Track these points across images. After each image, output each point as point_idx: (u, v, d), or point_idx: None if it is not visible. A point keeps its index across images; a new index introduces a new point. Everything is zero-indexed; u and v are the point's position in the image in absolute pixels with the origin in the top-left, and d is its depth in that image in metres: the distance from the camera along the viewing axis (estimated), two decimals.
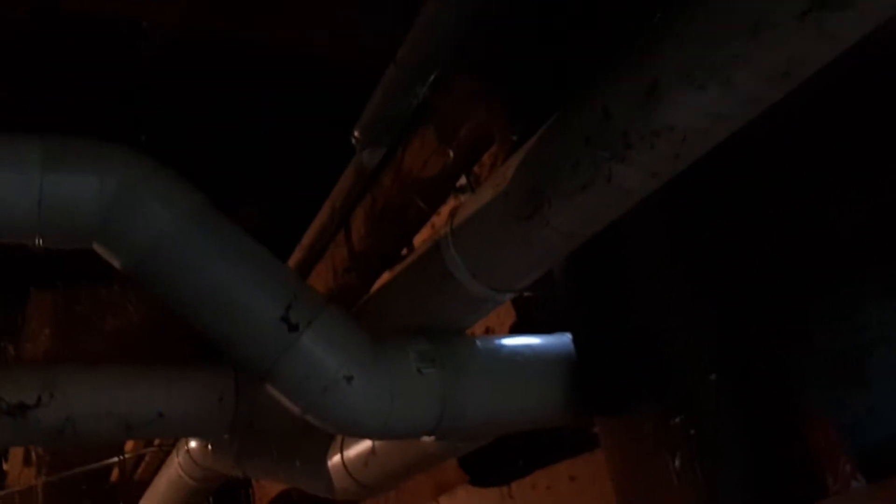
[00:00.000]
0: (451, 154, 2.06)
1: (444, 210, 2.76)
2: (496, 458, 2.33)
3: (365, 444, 2.23)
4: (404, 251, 2.95)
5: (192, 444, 2.69)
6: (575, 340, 1.76)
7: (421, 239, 2.88)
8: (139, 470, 5.95)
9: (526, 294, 1.72)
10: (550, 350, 1.85)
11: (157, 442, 5.22)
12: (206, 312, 1.60)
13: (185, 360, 2.20)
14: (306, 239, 2.59)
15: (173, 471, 2.91)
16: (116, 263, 1.61)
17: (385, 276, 2.99)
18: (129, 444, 5.25)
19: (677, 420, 1.44)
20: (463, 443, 1.89)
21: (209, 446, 2.62)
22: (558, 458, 2.13)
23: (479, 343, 1.78)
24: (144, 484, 5.22)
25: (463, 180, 2.16)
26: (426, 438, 1.79)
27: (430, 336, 1.73)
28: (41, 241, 1.54)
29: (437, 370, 1.67)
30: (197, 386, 2.13)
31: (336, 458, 2.37)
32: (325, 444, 2.44)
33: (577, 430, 2.04)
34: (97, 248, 1.60)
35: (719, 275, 1.55)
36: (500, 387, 1.75)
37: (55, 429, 1.95)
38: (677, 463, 1.43)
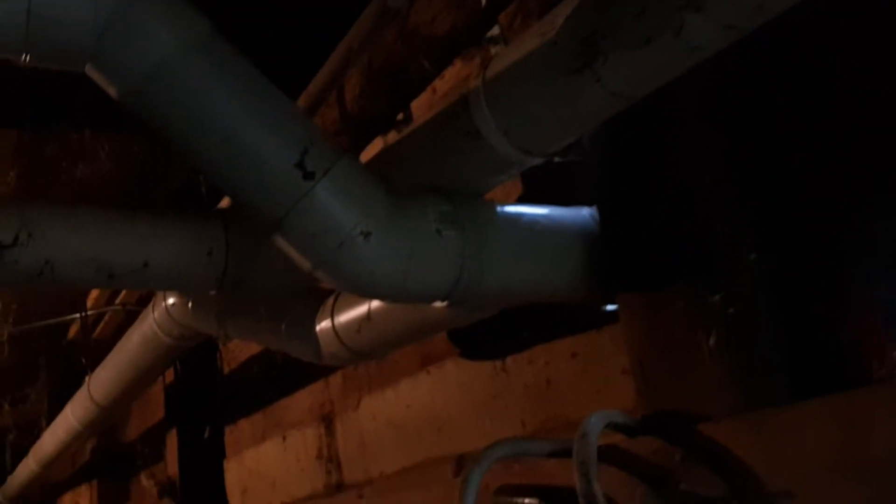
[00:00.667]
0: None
1: (448, 73, 2.60)
2: (489, 332, 2.28)
3: (360, 310, 2.15)
4: (400, 116, 2.80)
5: (171, 300, 2.58)
6: (601, 212, 1.67)
7: (419, 104, 2.73)
8: (98, 329, 5.87)
9: (556, 159, 1.61)
10: (569, 222, 1.76)
11: (119, 300, 5.12)
12: (213, 154, 1.46)
13: (170, 210, 2.06)
14: (314, 85, 2.42)
15: (147, 327, 2.81)
16: (112, 91, 1.44)
17: (378, 141, 2.85)
18: (92, 300, 5.15)
19: (716, 298, 1.38)
20: (472, 312, 1.81)
21: (189, 303, 2.52)
22: (559, 335, 2.07)
23: (498, 209, 1.68)
24: (103, 343, 5.15)
25: (496, 30, 1.99)
26: (437, 304, 1.71)
27: (448, 197, 1.62)
28: (28, 57, 1.36)
29: (457, 232, 1.57)
30: (185, 237, 2.00)
31: (326, 323, 2.29)
32: (315, 307, 2.36)
33: (581, 307, 1.98)
34: (90, 72, 1.43)
35: (771, 150, 1.46)
36: (519, 255, 1.66)
37: (33, 271, 1.81)
38: (712, 342, 1.37)
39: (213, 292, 2.19)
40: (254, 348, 3.98)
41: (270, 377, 3.75)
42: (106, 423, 4.50)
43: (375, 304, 2.11)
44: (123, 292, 4.99)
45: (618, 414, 1.48)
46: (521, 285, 1.69)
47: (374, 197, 1.50)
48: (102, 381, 3.57)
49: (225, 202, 2.59)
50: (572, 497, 1.57)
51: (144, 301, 4.67)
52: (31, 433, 6.43)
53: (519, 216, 1.69)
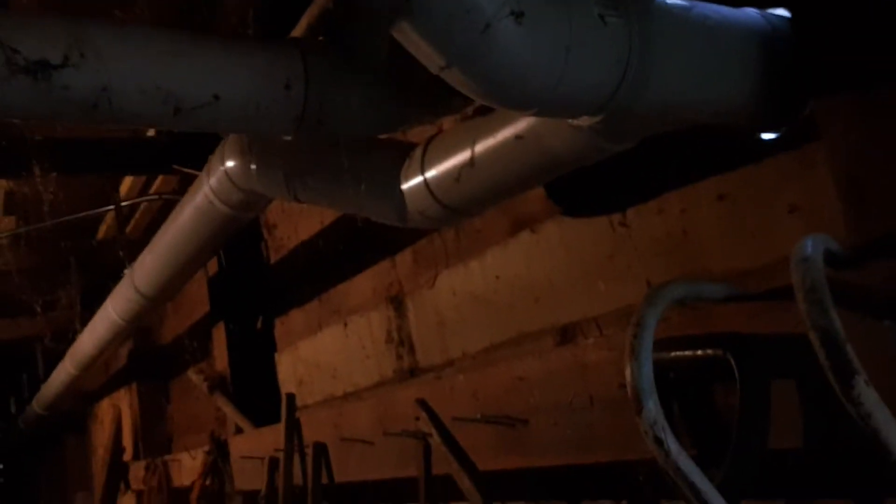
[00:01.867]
0: None
1: None
2: (602, 183, 1.98)
3: (460, 156, 1.85)
4: None
5: (230, 162, 2.29)
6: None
7: None
8: (129, 227, 5.63)
9: None
10: (742, 20, 1.44)
11: (153, 189, 4.85)
12: None
13: (242, 37, 1.74)
14: None
15: (202, 198, 2.53)
16: None
17: None
18: (125, 187, 4.88)
19: None
20: (614, 139, 1.50)
21: (253, 164, 2.22)
22: (700, 177, 1.77)
23: None
24: (134, 243, 4.90)
25: None
26: (583, 121, 1.40)
27: None
28: None
29: (622, 21, 1.25)
30: (260, 68, 1.69)
31: (415, 178, 2.00)
32: (399, 162, 2.06)
33: (728, 140, 1.68)
34: None
35: None
36: (689, 55, 1.34)
37: (87, 101, 1.51)
38: None
39: (289, 137, 1.89)
40: (302, 234, 3.71)
41: (325, 262, 3.49)
42: (149, 316, 4.29)
43: (480, 146, 1.81)
44: (158, 181, 4.72)
45: (831, 240, 1.19)
46: (689, 94, 1.38)
47: None
48: (148, 269, 3.32)
49: (297, 31, 2.26)
50: (760, 343, 1.31)
51: (180, 192, 4.41)
52: (63, 339, 6.26)
53: (689, 8, 1.36)
